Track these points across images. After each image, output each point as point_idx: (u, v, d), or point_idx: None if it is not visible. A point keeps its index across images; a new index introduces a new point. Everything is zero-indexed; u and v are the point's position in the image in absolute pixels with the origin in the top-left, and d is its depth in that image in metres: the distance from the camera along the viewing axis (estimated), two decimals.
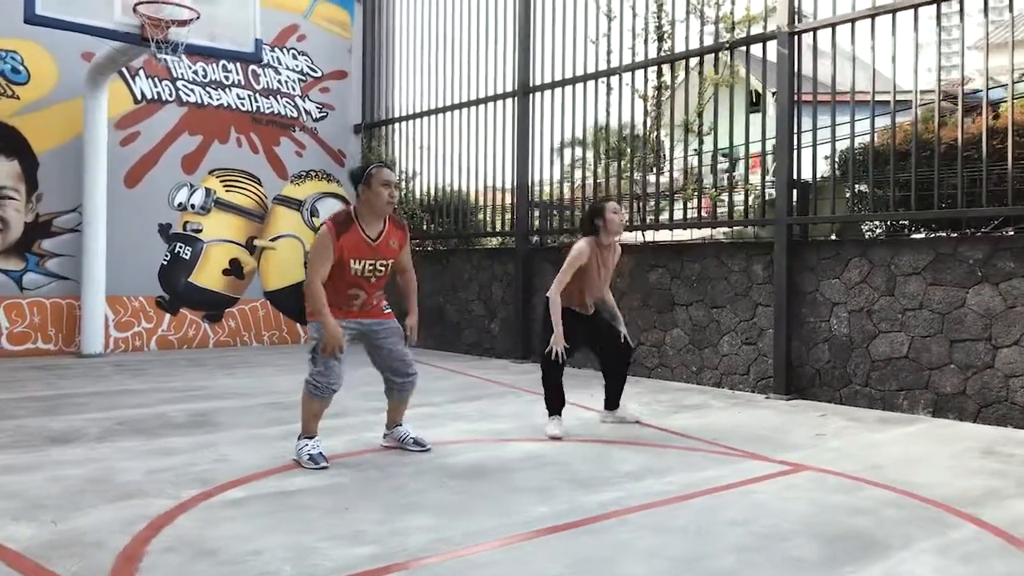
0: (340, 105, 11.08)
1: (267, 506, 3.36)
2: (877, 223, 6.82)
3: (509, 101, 9.06)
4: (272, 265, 10.52)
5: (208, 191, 9.97)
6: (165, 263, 9.66)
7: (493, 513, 3.32)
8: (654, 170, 7.65)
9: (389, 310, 4.34)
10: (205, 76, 9.89)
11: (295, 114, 10.66)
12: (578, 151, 8.61)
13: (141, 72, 9.40)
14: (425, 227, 10.32)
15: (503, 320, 9.16)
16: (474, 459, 4.23)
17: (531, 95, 8.84)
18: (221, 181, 10.08)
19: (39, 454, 4.20)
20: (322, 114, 10.92)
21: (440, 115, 10.08)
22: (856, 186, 6.63)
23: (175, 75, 9.67)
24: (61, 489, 3.55)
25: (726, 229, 7.57)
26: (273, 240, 10.52)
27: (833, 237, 6.76)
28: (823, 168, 6.93)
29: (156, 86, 9.54)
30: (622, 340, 5.17)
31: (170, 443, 4.51)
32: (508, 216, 9.23)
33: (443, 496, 3.55)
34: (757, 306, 6.88)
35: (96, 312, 8.73)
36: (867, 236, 6.80)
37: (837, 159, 6.55)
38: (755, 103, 8.57)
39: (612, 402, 5.32)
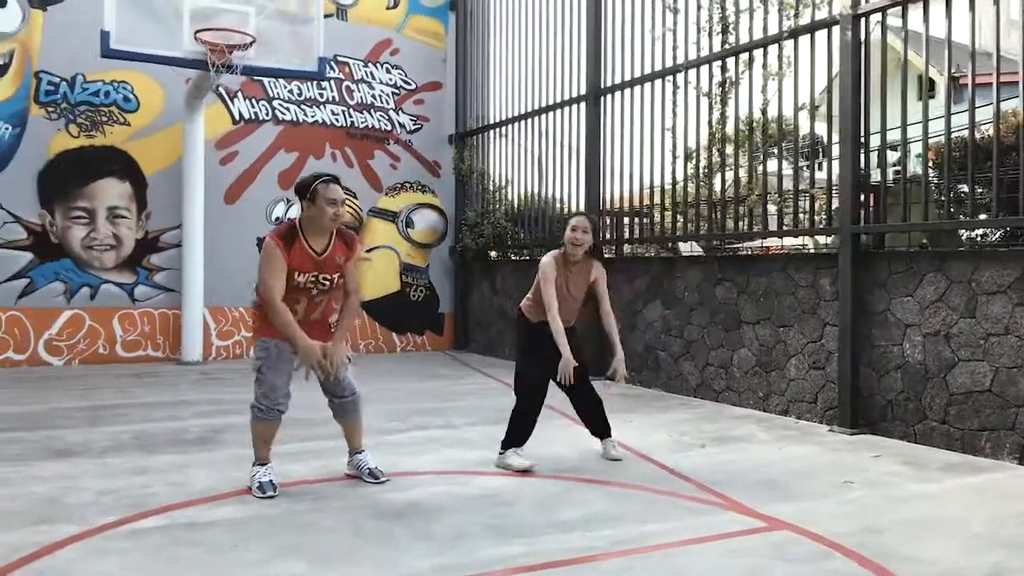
0: (435, 116, 11.16)
1: (162, 539, 3.33)
2: (972, 231, 5.84)
3: (582, 105, 8.69)
4: (368, 276, 10.75)
5: None
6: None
7: (376, 563, 3.09)
8: (719, 174, 7.02)
9: (335, 330, 4.18)
10: (300, 94, 10.29)
11: (389, 127, 10.85)
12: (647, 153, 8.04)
13: (239, 94, 9.93)
14: (509, 237, 10.12)
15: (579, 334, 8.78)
16: (419, 496, 4.00)
17: (602, 97, 8.42)
18: None
19: (27, 468, 4.46)
20: (416, 126, 11.04)
21: (522, 122, 9.89)
22: (937, 187, 5.70)
23: (271, 95, 10.13)
24: (3, 507, 3.71)
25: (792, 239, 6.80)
26: (368, 252, 10.75)
27: (909, 248, 5.85)
28: (895, 167, 6.02)
29: (253, 106, 10.04)
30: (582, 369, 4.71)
31: (153, 461, 4.64)
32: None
33: (342, 539, 3.36)
34: (825, 325, 6.11)
35: (195, 322, 9.31)
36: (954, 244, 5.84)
37: (915, 157, 5.67)
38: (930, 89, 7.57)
39: (603, 431, 4.92)
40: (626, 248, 8.53)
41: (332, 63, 10.44)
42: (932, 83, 5.87)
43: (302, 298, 3.99)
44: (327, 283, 4.01)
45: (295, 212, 10.12)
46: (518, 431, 4.61)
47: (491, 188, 10.56)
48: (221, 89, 9.67)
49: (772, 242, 7.02)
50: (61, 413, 6.15)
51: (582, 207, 8.70)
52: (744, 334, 6.80)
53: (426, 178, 11.10)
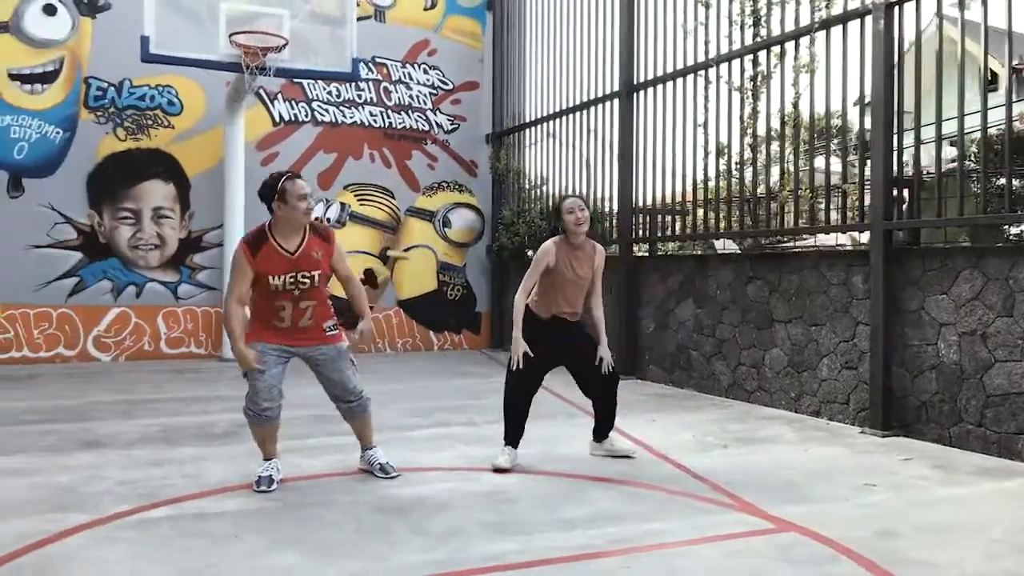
0: (472, 115, 11.19)
1: (169, 529, 3.40)
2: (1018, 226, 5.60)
3: (615, 101, 8.61)
4: (405, 275, 10.85)
5: (343, 205, 10.50)
6: None
7: (369, 557, 3.10)
8: (751, 169, 6.87)
9: (333, 332, 4.11)
10: (339, 96, 10.43)
11: (427, 127, 10.92)
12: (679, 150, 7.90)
13: (279, 96, 10.11)
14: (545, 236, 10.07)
15: (612, 333, 8.69)
16: (426, 492, 4.01)
17: (635, 93, 8.33)
18: (355, 195, 10.57)
19: (55, 459, 4.60)
20: (453, 126, 11.09)
21: (556, 120, 9.85)
22: (970, 182, 5.47)
23: (310, 96, 10.29)
24: (21, 497, 3.84)
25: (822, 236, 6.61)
26: (406, 250, 10.85)
27: (946, 244, 5.63)
28: (929, 161, 5.79)
29: (293, 108, 10.22)
30: (599, 364, 4.63)
31: (174, 454, 4.75)
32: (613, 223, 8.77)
33: (341, 533, 3.38)
34: (858, 324, 5.93)
35: None
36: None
37: (951, 150, 5.46)
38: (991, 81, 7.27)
39: (599, 431, 4.82)
40: (659, 246, 8.43)
41: (370, 64, 10.57)
42: (993, 74, 5.65)
43: (286, 303, 3.93)
44: (307, 281, 3.92)
45: (333, 212, 10.36)
46: (508, 424, 4.57)
47: (526, 187, 10.54)
48: (261, 91, 9.87)
49: (824, 240, 6.82)
50: (99, 406, 6.34)
51: (616, 205, 8.62)
52: (776, 333, 6.64)
53: (463, 177, 11.14)
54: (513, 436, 4.57)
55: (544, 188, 10.29)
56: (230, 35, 7.30)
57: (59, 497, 3.84)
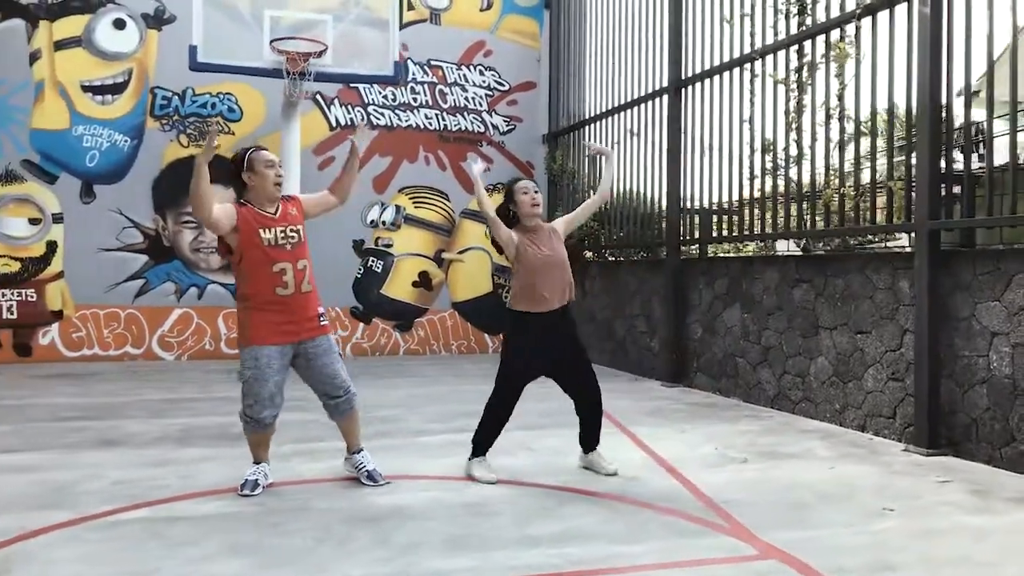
0: (528, 116, 11.07)
1: (136, 531, 3.43)
2: None
3: (664, 98, 8.32)
4: (460, 277, 10.83)
5: (398, 208, 10.57)
6: (359, 276, 10.43)
7: (310, 568, 3.03)
8: (797, 167, 6.48)
9: (325, 322, 4.17)
10: (394, 99, 10.51)
11: (482, 129, 10.87)
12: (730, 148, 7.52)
13: (336, 101, 10.27)
14: (599, 238, 9.85)
15: (662, 339, 8.41)
16: (405, 501, 3.91)
17: (683, 89, 8.02)
18: (410, 198, 10.63)
19: (66, 456, 4.76)
20: (509, 127, 11.00)
21: (608, 118, 9.62)
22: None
23: (366, 101, 10.40)
24: (15, 493, 3.97)
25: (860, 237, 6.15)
26: (461, 253, 10.83)
27: (1003, 245, 5.12)
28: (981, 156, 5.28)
29: (349, 112, 10.36)
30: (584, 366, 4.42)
31: (180, 454, 4.83)
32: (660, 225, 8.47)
33: (299, 542, 3.32)
34: (905, 333, 5.48)
35: None
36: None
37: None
38: None
39: (586, 442, 4.56)
40: (709, 248, 8.08)
41: (425, 67, 10.61)
42: None
43: (286, 265, 3.92)
44: (295, 234, 4.01)
45: (389, 215, 10.44)
46: (487, 432, 4.38)
47: (579, 188, 10.34)
48: (318, 96, 10.05)
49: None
50: (137, 405, 6.55)
51: (664, 204, 8.32)
52: (821, 341, 6.23)
53: None
54: (486, 445, 4.40)
55: (593, 191, 10.03)
56: (271, 41, 7.44)
57: (51, 495, 3.95)
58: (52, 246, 9.44)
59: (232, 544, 3.28)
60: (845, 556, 3.21)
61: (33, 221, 9.37)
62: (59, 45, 9.39)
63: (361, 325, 10.45)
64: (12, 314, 9.34)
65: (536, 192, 4.35)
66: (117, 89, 9.57)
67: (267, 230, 3.93)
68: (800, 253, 6.68)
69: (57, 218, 9.44)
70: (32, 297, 9.40)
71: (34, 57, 9.33)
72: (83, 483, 4.17)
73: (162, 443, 5.14)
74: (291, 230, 4.00)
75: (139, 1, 9.60)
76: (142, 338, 9.70)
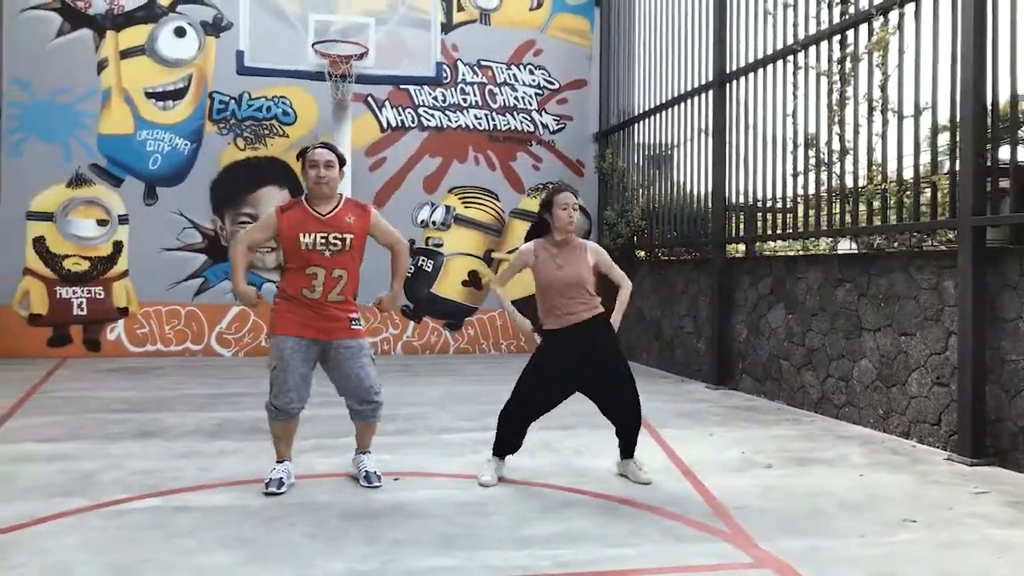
0: (579, 114, 10.98)
1: (139, 520, 3.54)
2: None
3: (709, 93, 8.12)
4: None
5: (448, 208, 10.64)
6: (409, 275, 10.54)
7: (296, 562, 3.06)
8: (838, 162, 6.22)
9: (358, 326, 4.06)
10: (444, 100, 10.58)
11: (532, 128, 10.84)
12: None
13: (387, 103, 10.41)
14: (647, 237, 9.69)
15: (708, 339, 8.21)
16: (408, 498, 3.92)
17: (727, 84, 7.81)
18: (460, 198, 10.68)
19: (101, 446, 4.95)
20: (560, 126, 10.93)
21: (656, 115, 9.46)
22: None
23: (417, 102, 10.51)
24: (43, 481, 4.15)
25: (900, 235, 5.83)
26: (510, 252, 10.81)
27: None
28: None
29: (400, 114, 10.48)
30: (615, 380, 4.22)
31: (206, 447, 4.97)
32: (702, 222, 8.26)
33: (292, 536, 3.36)
34: (950, 335, 5.19)
35: None
36: None
37: None
38: None
39: (624, 450, 4.39)
40: (756, 246, 7.84)
41: (475, 68, 10.65)
42: None
43: (319, 270, 3.89)
44: (338, 242, 3.92)
45: (439, 215, 10.52)
46: (500, 435, 4.29)
47: (629, 186, 10.19)
48: (370, 99, 10.22)
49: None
50: (183, 399, 6.78)
51: (710, 202, 8.12)
52: (864, 343, 5.97)
53: (569, 178, 10.93)
54: (503, 449, 4.29)
55: (644, 186, 9.88)
56: (313, 45, 7.59)
57: (74, 483, 4.11)
58: (118, 246, 9.87)
59: (227, 536, 3.34)
60: (849, 568, 3.06)
61: (101, 222, 9.81)
62: (124, 54, 9.81)
63: (412, 323, 10.56)
64: (82, 311, 9.80)
65: (575, 209, 4.20)
66: (178, 95, 9.93)
67: (307, 235, 3.91)
68: (842, 252, 6.41)
69: (123, 219, 9.86)
70: (100, 295, 9.84)
71: (101, 66, 9.77)
72: (106, 472, 4.32)
73: (194, 436, 5.30)
74: (335, 237, 3.92)
75: (198, 9, 9.94)
76: (201, 335, 10.04)
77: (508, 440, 4.29)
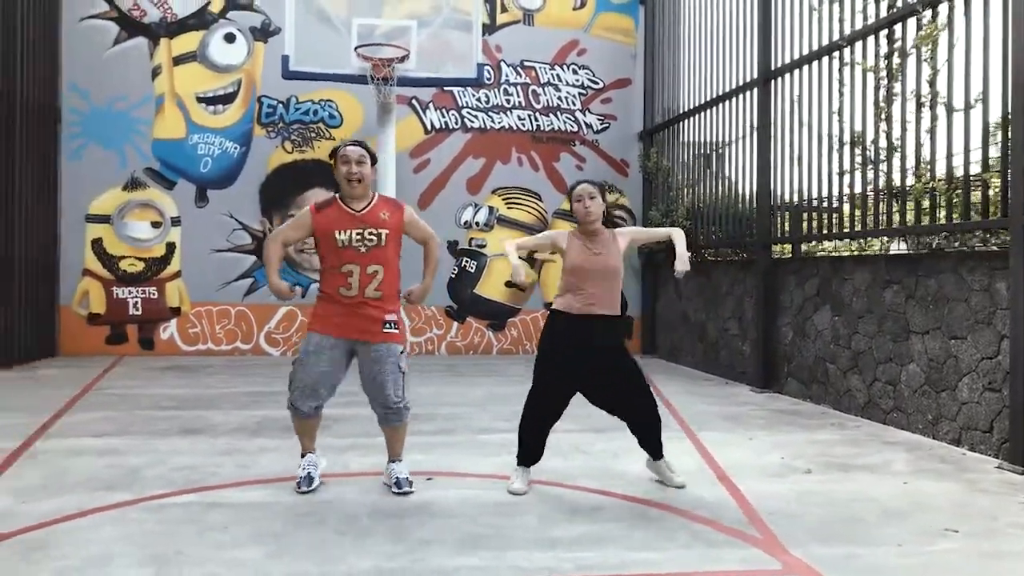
0: (623, 114, 10.91)
1: (176, 514, 3.63)
2: None
3: (754, 91, 7.99)
4: (552, 277, 10.80)
5: (491, 209, 10.68)
6: (452, 276, 10.61)
7: (323, 559, 3.11)
8: (886, 160, 6.06)
9: (391, 329, 3.96)
10: (487, 102, 10.62)
11: (575, 128, 10.81)
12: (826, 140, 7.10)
13: (431, 105, 10.49)
14: (692, 237, 9.57)
15: (753, 342, 8.08)
16: (438, 498, 3.94)
17: (772, 81, 7.67)
18: (503, 199, 10.71)
19: (148, 442, 5.09)
20: (604, 125, 10.87)
21: (700, 113, 9.34)
22: None
23: (460, 104, 10.57)
24: (90, 475, 4.29)
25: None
26: (553, 253, 10.77)
27: None
28: None
29: (444, 116, 10.55)
30: (626, 375, 4.14)
31: (248, 444, 5.07)
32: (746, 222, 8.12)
33: (321, 534, 3.41)
34: (1003, 339, 5.02)
35: None
36: None
37: None
38: None
39: (651, 451, 4.30)
40: (802, 247, 7.68)
41: (518, 68, 10.67)
42: None
43: (354, 267, 3.88)
44: (374, 237, 3.90)
45: (482, 216, 10.56)
46: (521, 442, 4.21)
47: (673, 185, 10.08)
48: (414, 101, 10.32)
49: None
50: (229, 397, 6.93)
51: (754, 202, 7.99)
52: (913, 346, 5.80)
53: (614, 178, 10.88)
54: (527, 457, 4.21)
55: (688, 186, 9.76)
56: (355, 48, 7.69)
57: (120, 478, 4.24)
58: (171, 247, 10.14)
59: (259, 532, 3.41)
60: None
61: (155, 224, 10.10)
62: (177, 60, 10.09)
63: (455, 324, 10.62)
64: (137, 310, 10.10)
65: (592, 198, 4.10)
66: (228, 99, 10.17)
67: (343, 231, 3.89)
68: (890, 252, 6.25)
69: (175, 221, 10.13)
70: (154, 295, 10.13)
71: (155, 72, 10.07)
72: (151, 468, 4.45)
73: (236, 433, 5.41)
74: (371, 233, 3.91)
75: (247, 16, 10.17)
76: (251, 334, 10.26)
77: (531, 448, 4.20)
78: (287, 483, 4.15)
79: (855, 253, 6.78)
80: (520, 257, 4.08)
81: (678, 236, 4.27)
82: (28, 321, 9.15)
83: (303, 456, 4.20)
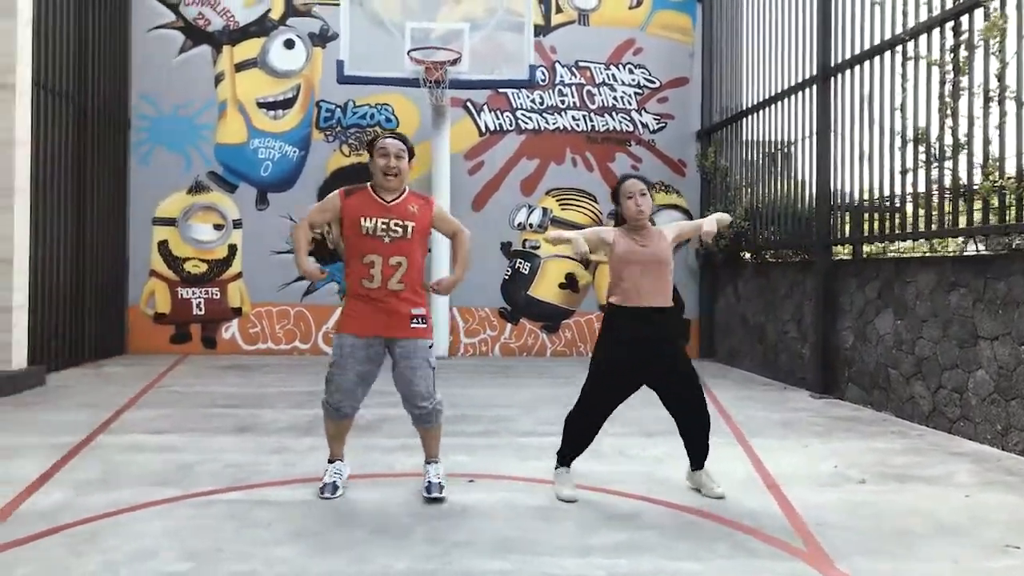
0: (680, 113, 10.75)
1: (222, 510, 3.71)
2: None
3: (813, 88, 7.77)
4: (607, 279, 10.68)
5: (545, 210, 10.64)
6: (506, 277, 10.62)
7: (359, 559, 3.13)
8: (951, 158, 5.80)
9: (420, 324, 3.90)
10: (542, 103, 10.59)
11: (631, 128, 10.69)
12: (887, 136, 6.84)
13: (485, 107, 10.52)
14: (751, 238, 9.37)
15: (813, 345, 7.85)
16: (478, 500, 3.93)
17: (832, 77, 7.44)
18: (557, 200, 10.66)
19: (202, 439, 5.22)
20: (660, 125, 10.73)
21: (759, 112, 9.12)
22: None
23: (515, 106, 10.56)
24: (146, 471, 4.42)
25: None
26: (601, 250, 10.68)
27: None
28: None
29: (498, 118, 10.57)
30: (683, 377, 4.00)
31: (296, 443, 5.16)
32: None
33: (358, 534, 3.44)
34: None
35: (440, 321, 10.04)
36: None
37: None
38: None
39: (693, 460, 4.18)
40: (863, 248, 7.42)
41: (573, 69, 10.61)
42: None
43: (376, 258, 3.81)
44: (399, 229, 3.83)
45: (536, 217, 10.54)
46: (566, 441, 4.11)
47: (732, 185, 9.88)
48: (468, 104, 10.37)
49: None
50: (284, 395, 7.07)
51: (814, 202, 7.76)
52: (981, 352, 5.54)
53: (670, 178, 10.72)
54: (570, 456, 4.12)
55: (746, 186, 9.55)
56: (408, 51, 7.75)
57: (172, 473, 4.36)
58: (233, 249, 10.41)
59: (299, 530, 3.45)
60: None
61: (217, 227, 10.39)
62: (239, 67, 10.35)
63: (509, 326, 10.62)
64: (200, 310, 10.40)
65: (643, 195, 4.02)
66: (287, 104, 10.39)
67: (368, 219, 3.83)
68: (956, 254, 5.98)
69: (237, 224, 10.39)
70: (216, 295, 10.41)
71: (218, 79, 10.35)
72: (202, 464, 4.56)
73: (286, 432, 5.51)
74: (396, 224, 3.83)
75: (306, 22, 10.37)
76: (309, 334, 10.45)
77: (576, 445, 4.13)
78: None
79: (919, 255, 6.52)
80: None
81: (716, 214, 4.19)
82: (98, 321, 9.51)
83: (331, 462, 4.11)
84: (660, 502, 3.96)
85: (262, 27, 10.37)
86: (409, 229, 3.86)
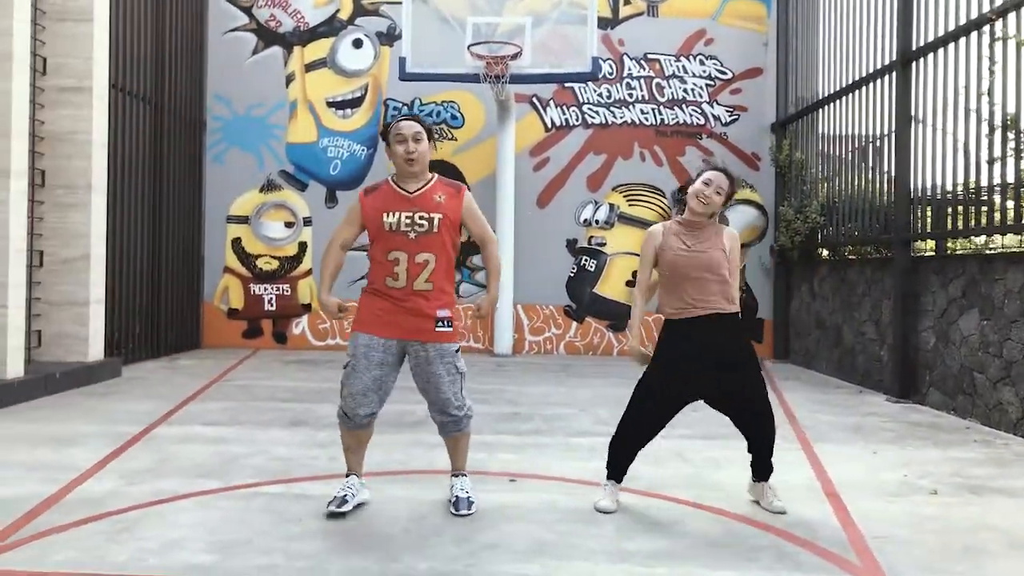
0: (754, 105, 10.37)
1: (260, 503, 3.71)
2: None
3: (893, 74, 7.34)
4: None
5: (612, 206, 10.44)
6: (572, 275, 10.46)
7: (383, 558, 3.06)
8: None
9: (446, 328, 3.58)
10: (609, 96, 10.39)
11: (702, 121, 10.38)
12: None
13: (551, 103, 10.39)
14: (826, 234, 8.95)
15: (891, 347, 7.42)
16: (515, 501, 3.82)
17: (913, 62, 7.01)
18: (624, 196, 10.45)
19: (254, 432, 5.28)
20: (732, 117, 10.38)
21: (835, 101, 8.71)
22: None
23: (581, 100, 10.40)
24: (194, 462, 4.48)
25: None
26: None
27: None
28: None
29: (564, 113, 10.42)
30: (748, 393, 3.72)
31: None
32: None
33: (387, 531, 3.37)
34: None
35: (503, 318, 9.99)
36: None
37: None
38: None
39: (756, 471, 3.88)
40: (947, 243, 6.97)
41: (641, 61, 10.38)
42: None
43: (400, 255, 3.51)
44: (424, 223, 3.52)
45: (603, 213, 10.35)
46: (614, 454, 3.86)
47: (808, 179, 9.46)
48: (535, 99, 10.26)
49: None
50: (332, 391, 7.10)
51: (893, 195, 7.33)
52: None
53: (743, 171, 10.35)
54: (618, 470, 3.87)
55: (824, 180, 9.12)
56: (468, 46, 7.70)
57: (218, 465, 4.41)
58: (303, 246, 10.60)
59: (330, 525, 3.42)
60: None
61: (288, 224, 10.60)
62: (309, 67, 10.54)
63: (574, 324, 10.47)
64: (272, 306, 10.63)
65: (719, 193, 3.65)
66: (355, 103, 10.51)
67: (391, 214, 3.54)
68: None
69: (307, 221, 10.58)
70: (287, 292, 10.63)
71: (289, 79, 10.56)
72: (249, 457, 4.60)
73: (336, 427, 5.50)
74: (421, 217, 3.52)
75: (374, 21, 10.47)
76: None
77: (619, 457, 3.87)
78: (372, 478, 4.15)
79: (1007, 250, 6.06)
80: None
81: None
82: (174, 315, 9.83)
83: (347, 476, 3.74)
84: (708, 508, 3.77)
85: (331, 27, 10.52)
86: (435, 222, 3.54)
